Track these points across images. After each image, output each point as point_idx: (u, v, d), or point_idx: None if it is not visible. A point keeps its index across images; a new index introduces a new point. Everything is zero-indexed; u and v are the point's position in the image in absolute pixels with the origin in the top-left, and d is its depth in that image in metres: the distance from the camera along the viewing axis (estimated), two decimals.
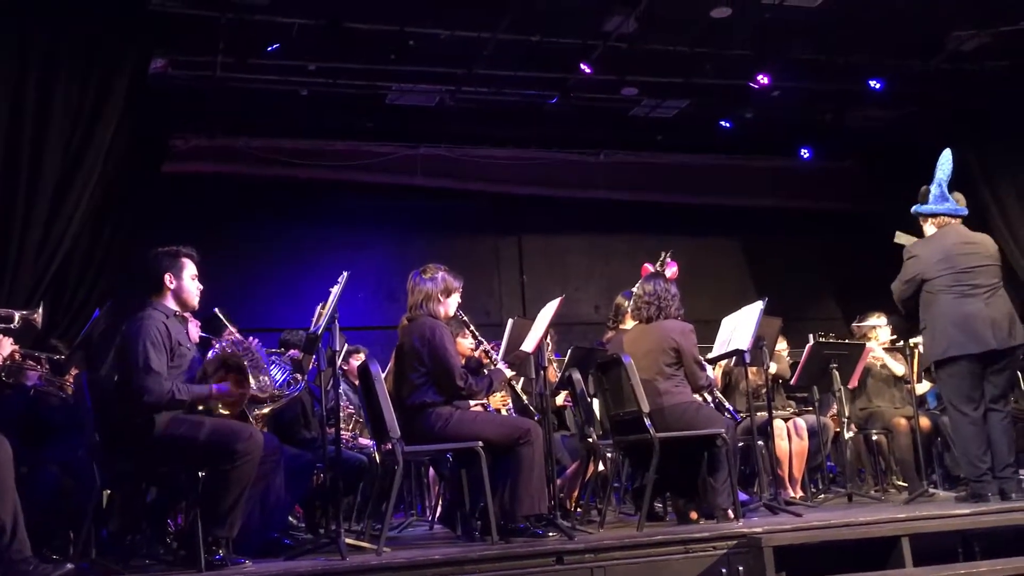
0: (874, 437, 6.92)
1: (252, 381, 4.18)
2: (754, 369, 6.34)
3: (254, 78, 8.38)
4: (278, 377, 4.73)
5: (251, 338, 4.56)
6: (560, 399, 6.40)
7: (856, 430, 6.95)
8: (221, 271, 5.35)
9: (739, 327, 5.51)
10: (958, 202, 5.45)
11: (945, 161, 5.45)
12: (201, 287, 4.45)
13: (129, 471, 4.38)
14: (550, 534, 4.50)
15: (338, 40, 7.81)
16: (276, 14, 7.39)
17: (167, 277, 4.33)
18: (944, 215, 5.42)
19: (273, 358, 4.53)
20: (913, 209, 5.54)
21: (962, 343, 5.14)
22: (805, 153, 10.96)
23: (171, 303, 4.34)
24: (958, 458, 5.43)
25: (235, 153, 9.55)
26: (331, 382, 4.85)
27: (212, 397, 4.20)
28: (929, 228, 5.49)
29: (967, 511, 4.66)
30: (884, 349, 6.96)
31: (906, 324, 6.31)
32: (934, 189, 5.43)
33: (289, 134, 9.65)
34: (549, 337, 5.65)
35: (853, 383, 6.70)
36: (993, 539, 4.40)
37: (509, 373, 4.97)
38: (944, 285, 5.23)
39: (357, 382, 5.56)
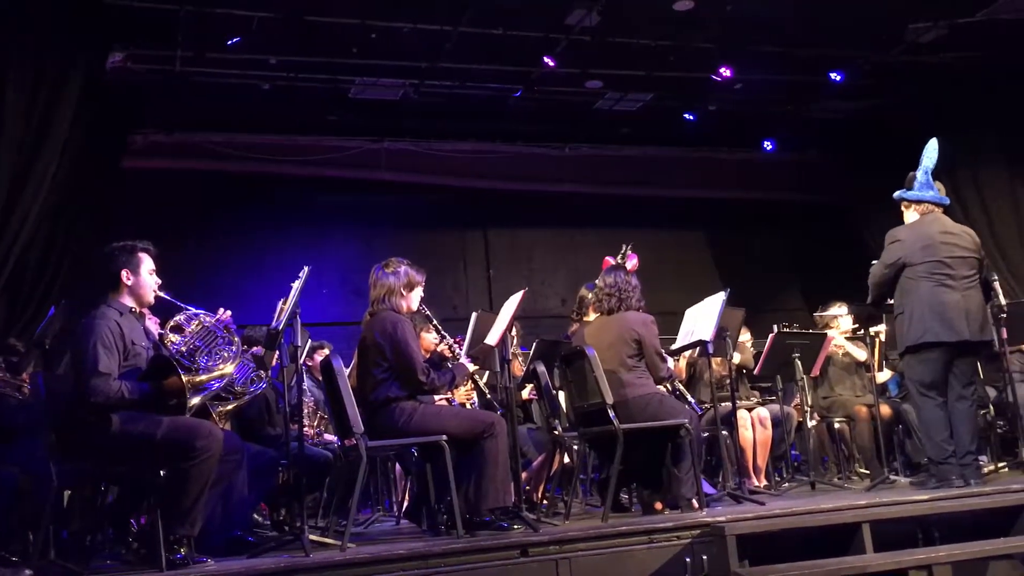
0: (836, 425, 7.00)
1: (184, 375, 4.12)
2: (718, 360, 6.38)
3: (214, 72, 8.29)
4: (235, 375, 4.67)
5: (204, 314, 4.48)
6: (526, 392, 6.41)
7: (819, 419, 7.03)
8: (181, 267, 5.30)
9: (702, 318, 5.54)
10: (940, 191, 5.51)
11: (932, 149, 5.49)
12: (159, 281, 4.40)
13: (87, 471, 4.32)
14: (515, 527, 4.50)
15: (299, 34, 7.75)
16: (236, 7, 7.30)
17: (124, 273, 4.28)
18: (929, 203, 5.46)
19: (234, 349, 4.46)
20: (897, 194, 5.56)
21: (937, 331, 5.19)
22: (768, 145, 11.05)
23: (127, 300, 4.29)
24: (923, 442, 5.50)
25: (195, 148, 9.45)
26: (294, 378, 4.81)
27: (152, 395, 4.13)
28: (911, 215, 5.53)
29: (926, 497, 4.73)
30: (846, 338, 7.04)
31: (871, 312, 6.37)
32: (920, 176, 5.47)
33: (250, 129, 9.56)
34: (514, 330, 5.65)
35: (815, 372, 6.78)
36: (951, 525, 4.46)
37: (472, 367, 4.97)
38: (925, 272, 5.27)
39: (321, 378, 5.53)
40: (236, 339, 4.50)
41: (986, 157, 9.59)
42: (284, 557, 4.13)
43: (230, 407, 4.96)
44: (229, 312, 4.57)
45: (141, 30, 7.51)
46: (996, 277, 6.38)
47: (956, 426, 5.23)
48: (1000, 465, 6.57)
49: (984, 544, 4.30)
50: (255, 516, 5.56)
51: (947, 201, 5.53)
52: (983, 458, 6.79)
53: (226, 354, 4.46)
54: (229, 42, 7.76)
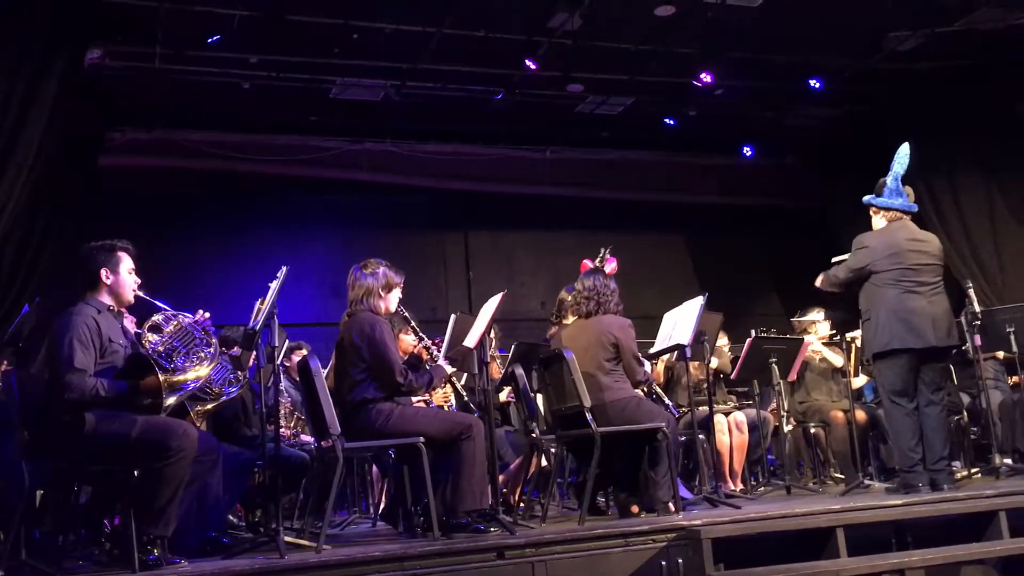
0: (812, 430, 7.04)
1: (161, 374, 4.09)
2: (696, 364, 6.40)
3: (194, 70, 8.25)
4: (212, 376, 4.65)
5: (183, 315, 4.46)
6: (503, 395, 6.40)
7: (795, 423, 7.07)
8: (159, 267, 5.27)
9: (680, 322, 5.57)
10: (908, 197, 5.56)
11: (903, 155, 5.54)
12: (139, 280, 4.38)
13: (60, 470, 4.28)
14: (492, 529, 4.49)
15: (280, 33, 7.73)
16: (217, 5, 7.27)
17: (103, 272, 4.26)
18: (897, 210, 5.52)
19: (212, 350, 4.44)
20: (865, 199, 5.61)
21: (903, 337, 5.25)
22: (747, 151, 11.12)
23: (106, 298, 4.28)
24: (892, 448, 5.55)
25: (174, 146, 9.39)
26: (271, 379, 4.79)
27: (127, 394, 4.10)
28: (879, 220, 5.58)
29: (900, 502, 4.77)
30: (822, 343, 7.09)
31: (846, 317, 6.43)
32: (889, 182, 5.52)
33: (230, 128, 9.51)
34: (493, 333, 5.65)
35: (792, 377, 6.82)
36: (925, 530, 4.50)
37: (450, 369, 4.96)
38: (891, 279, 5.33)
39: (298, 378, 5.51)
40: (214, 340, 4.48)
41: (964, 165, 9.68)
42: (259, 558, 4.11)
43: (208, 407, 4.93)
44: (208, 313, 4.55)
45: (120, 26, 7.46)
46: (971, 285, 6.47)
47: (928, 432, 5.28)
48: (973, 471, 6.62)
49: (957, 549, 4.34)
50: (230, 517, 5.53)
51: (915, 208, 5.58)
52: (956, 464, 6.86)
53: (203, 355, 4.43)
54: (209, 40, 7.72)
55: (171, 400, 4.21)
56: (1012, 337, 6.10)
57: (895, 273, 5.32)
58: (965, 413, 7.06)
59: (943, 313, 5.33)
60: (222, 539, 4.70)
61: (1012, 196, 9.48)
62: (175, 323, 4.46)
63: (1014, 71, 8.78)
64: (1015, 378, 7.12)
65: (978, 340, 6.09)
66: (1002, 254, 9.49)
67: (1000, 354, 6.94)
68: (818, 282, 5.75)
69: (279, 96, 8.86)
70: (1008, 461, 6.30)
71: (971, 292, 6.32)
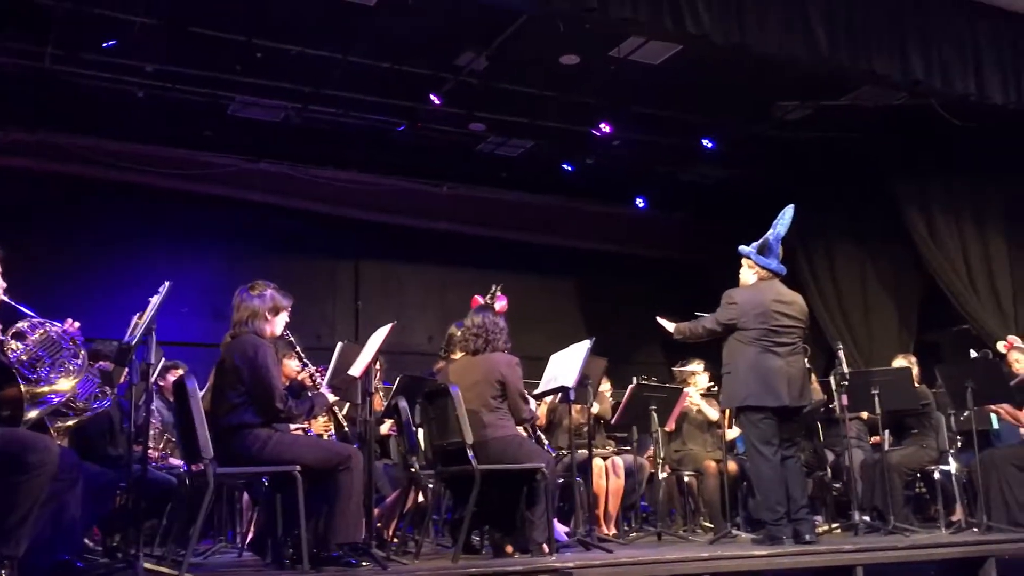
0: (686, 478, 7.20)
1: (23, 384, 3.89)
2: (578, 407, 6.48)
3: (86, 73, 7.95)
4: (77, 390, 4.44)
5: (50, 324, 4.26)
6: (385, 427, 6.33)
7: (669, 471, 7.21)
8: (31, 273, 5.01)
9: (565, 365, 5.62)
10: (779, 256, 5.80)
11: (788, 217, 5.77)
12: (4, 285, 4.16)
13: None
14: (363, 564, 4.41)
15: (182, 44, 7.55)
16: (117, 9, 7.05)
17: None
18: (771, 271, 5.74)
19: (79, 362, 4.24)
20: (743, 250, 5.83)
21: (760, 395, 5.48)
22: (640, 202, 11.41)
23: None
24: (759, 502, 5.72)
25: (59, 150, 9.00)
26: (143, 397, 4.61)
27: None
28: (750, 275, 5.80)
29: (765, 553, 4.92)
30: (700, 395, 7.28)
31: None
32: (771, 241, 5.75)
33: (120, 136, 9.17)
34: (378, 364, 5.59)
35: (670, 426, 6.97)
36: None
37: (332, 398, 4.87)
38: (753, 337, 5.56)
39: (172, 399, 5.31)
40: (83, 352, 4.28)
41: (840, 233, 10.18)
42: None
43: (70, 423, 4.69)
44: (77, 323, 4.35)
45: (9, 20, 7.14)
46: (841, 347, 6.76)
47: (788, 483, 5.49)
48: (833, 526, 6.89)
49: None
50: (86, 540, 5.26)
51: (784, 271, 5.83)
52: (818, 518, 7.11)
53: (70, 367, 4.24)
54: (105, 44, 7.47)
55: (32, 414, 4.00)
56: (876, 399, 6.39)
57: (758, 332, 5.55)
58: (829, 470, 7.34)
59: (798, 374, 5.59)
60: (76, 563, 4.44)
61: (882, 265, 10.02)
62: (41, 331, 4.24)
63: (890, 148, 9.32)
64: (876, 438, 7.45)
65: (845, 400, 6.35)
66: (871, 320, 9.98)
67: (864, 415, 7.25)
68: (671, 329, 5.94)
69: (174, 108, 8.62)
70: (866, 518, 6.56)
71: (841, 354, 6.60)
